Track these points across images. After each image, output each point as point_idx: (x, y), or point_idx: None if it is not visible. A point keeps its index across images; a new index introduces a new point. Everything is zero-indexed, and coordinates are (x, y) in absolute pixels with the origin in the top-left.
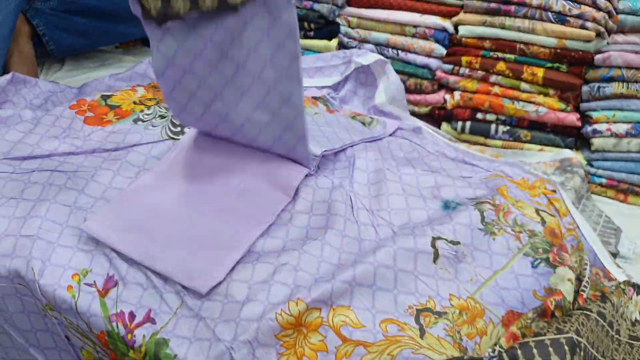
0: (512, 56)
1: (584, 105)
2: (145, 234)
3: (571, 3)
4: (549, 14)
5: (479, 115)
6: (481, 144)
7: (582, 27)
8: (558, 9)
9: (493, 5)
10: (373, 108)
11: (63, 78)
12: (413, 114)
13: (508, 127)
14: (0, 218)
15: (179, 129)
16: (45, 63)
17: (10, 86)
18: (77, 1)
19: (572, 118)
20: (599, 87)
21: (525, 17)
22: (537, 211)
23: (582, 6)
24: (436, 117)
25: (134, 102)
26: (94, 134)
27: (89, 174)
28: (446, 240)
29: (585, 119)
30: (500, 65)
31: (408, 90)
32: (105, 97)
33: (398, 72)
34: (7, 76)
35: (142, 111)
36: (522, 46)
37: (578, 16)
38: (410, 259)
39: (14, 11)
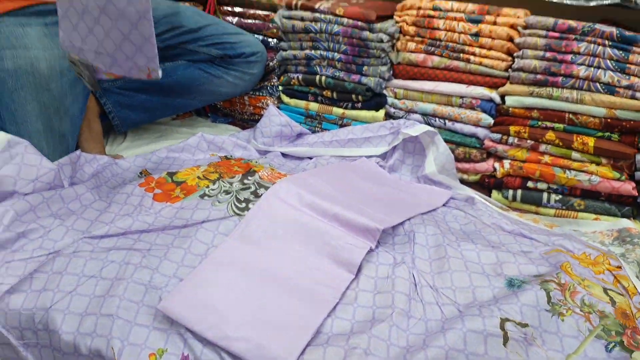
0: (561, 125)
1: (639, 174)
2: (218, 314)
3: (620, 74)
4: (597, 84)
5: (530, 184)
6: (533, 213)
7: (632, 97)
8: (606, 80)
9: (540, 77)
10: (423, 177)
11: (126, 150)
12: (462, 181)
13: (560, 196)
14: (82, 297)
15: (244, 204)
16: (110, 136)
17: (77, 164)
18: (140, 79)
19: (628, 187)
20: None
21: (573, 88)
22: (605, 290)
23: (632, 77)
24: (486, 185)
25: (198, 177)
26: (164, 210)
27: (162, 252)
28: (514, 322)
29: None
30: (550, 135)
31: (457, 159)
32: (171, 174)
33: (446, 141)
34: (74, 155)
35: (207, 187)
36: (571, 116)
37: (628, 87)
38: (480, 342)
39: (83, 92)
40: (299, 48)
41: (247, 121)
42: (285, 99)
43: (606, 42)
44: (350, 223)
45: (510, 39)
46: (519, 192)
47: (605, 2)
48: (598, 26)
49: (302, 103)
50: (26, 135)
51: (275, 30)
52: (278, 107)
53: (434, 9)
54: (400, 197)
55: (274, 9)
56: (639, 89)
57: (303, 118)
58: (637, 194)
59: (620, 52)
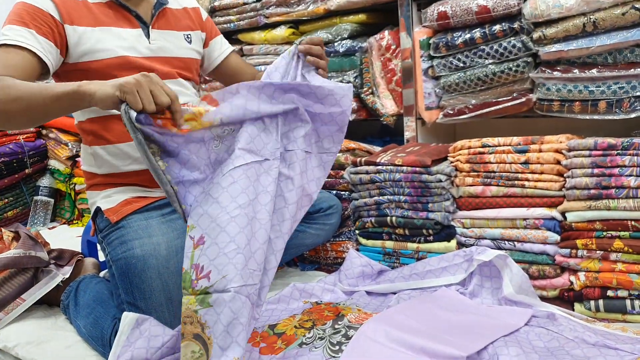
0: (626, 233)
1: None
2: None
3: None
4: None
5: (610, 293)
6: (621, 321)
7: None
8: None
9: (593, 191)
10: (503, 299)
11: None
12: (543, 298)
13: None
14: None
15: (337, 347)
16: None
17: None
18: None
19: None
20: None
21: (628, 197)
22: None
23: None
24: (566, 298)
25: (295, 327)
26: None
27: None
28: None
29: None
30: (617, 243)
31: (532, 277)
32: (272, 327)
33: (519, 261)
34: None
35: (304, 335)
36: (633, 223)
37: None
38: None
39: None
40: (368, 196)
41: (332, 265)
42: (363, 240)
43: None
44: (437, 354)
45: (558, 162)
46: (601, 302)
47: None
48: (636, 140)
49: (378, 242)
50: (152, 307)
51: (345, 185)
52: (357, 249)
53: (483, 146)
54: (482, 322)
55: (342, 167)
56: None
57: (381, 256)
58: None
59: None
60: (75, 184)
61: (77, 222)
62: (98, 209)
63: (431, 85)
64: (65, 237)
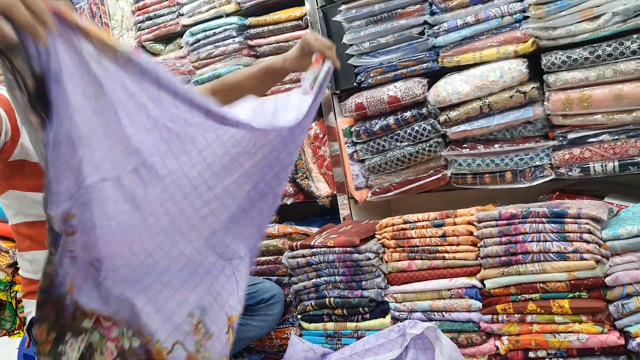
0: (537, 295)
1: (618, 323)
2: None
3: (564, 243)
4: (551, 254)
5: (531, 354)
6: None
7: (582, 259)
8: (556, 249)
9: (504, 258)
10: None
11: None
12: None
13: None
14: None
15: None
16: None
17: None
18: None
19: (613, 338)
20: (622, 305)
21: (533, 261)
22: None
23: (574, 243)
24: None
25: None
26: None
27: None
28: None
29: (626, 334)
30: (531, 305)
31: (462, 346)
32: None
33: (448, 331)
34: None
35: None
36: (541, 285)
37: (574, 251)
38: None
39: None
40: (307, 279)
41: (277, 353)
42: (305, 324)
43: (543, 219)
44: None
45: (471, 233)
46: None
47: (545, 180)
48: (533, 208)
49: (320, 325)
50: None
51: (285, 270)
52: (300, 334)
53: (405, 222)
54: None
55: (280, 252)
56: (584, 251)
57: (324, 339)
58: (624, 342)
59: (557, 225)
60: (16, 292)
61: (18, 332)
62: (34, 320)
63: (358, 167)
64: (6, 350)
